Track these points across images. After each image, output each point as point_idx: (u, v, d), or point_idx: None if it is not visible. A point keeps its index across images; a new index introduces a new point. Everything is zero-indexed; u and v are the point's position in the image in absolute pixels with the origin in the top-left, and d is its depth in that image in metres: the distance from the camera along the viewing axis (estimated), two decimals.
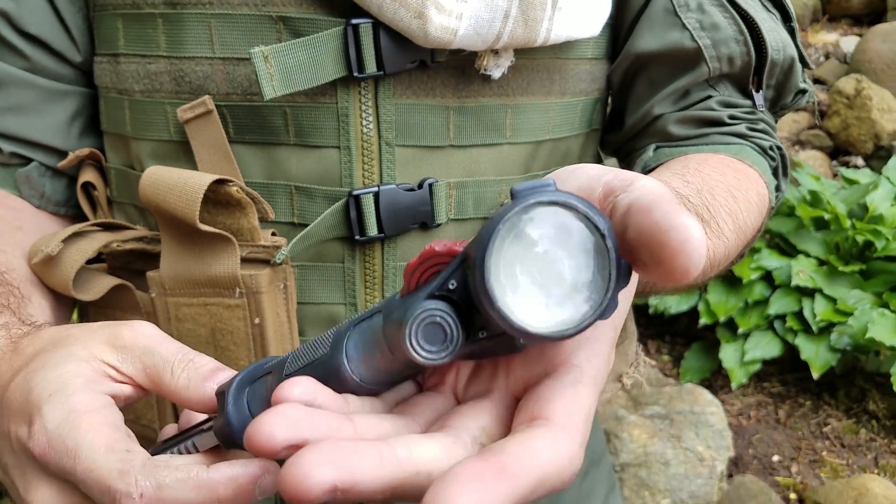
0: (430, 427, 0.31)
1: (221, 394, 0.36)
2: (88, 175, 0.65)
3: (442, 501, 0.22)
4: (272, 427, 0.26)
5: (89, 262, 0.60)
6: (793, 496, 1.91)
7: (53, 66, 0.63)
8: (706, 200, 0.52)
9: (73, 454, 0.34)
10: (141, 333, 0.40)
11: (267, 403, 0.34)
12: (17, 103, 0.62)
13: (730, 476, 1.93)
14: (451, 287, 0.28)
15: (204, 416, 0.39)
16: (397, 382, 0.33)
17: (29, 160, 0.64)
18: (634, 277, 0.31)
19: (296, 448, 0.26)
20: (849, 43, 3.32)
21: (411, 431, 0.30)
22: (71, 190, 0.67)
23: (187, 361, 0.39)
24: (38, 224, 0.64)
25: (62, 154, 0.65)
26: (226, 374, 0.39)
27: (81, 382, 0.37)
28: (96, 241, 0.59)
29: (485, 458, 0.23)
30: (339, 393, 0.32)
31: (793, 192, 2.24)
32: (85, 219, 0.66)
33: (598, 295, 0.26)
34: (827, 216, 2.14)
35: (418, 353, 0.28)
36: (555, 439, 0.25)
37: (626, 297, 0.31)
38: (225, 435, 0.35)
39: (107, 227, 0.62)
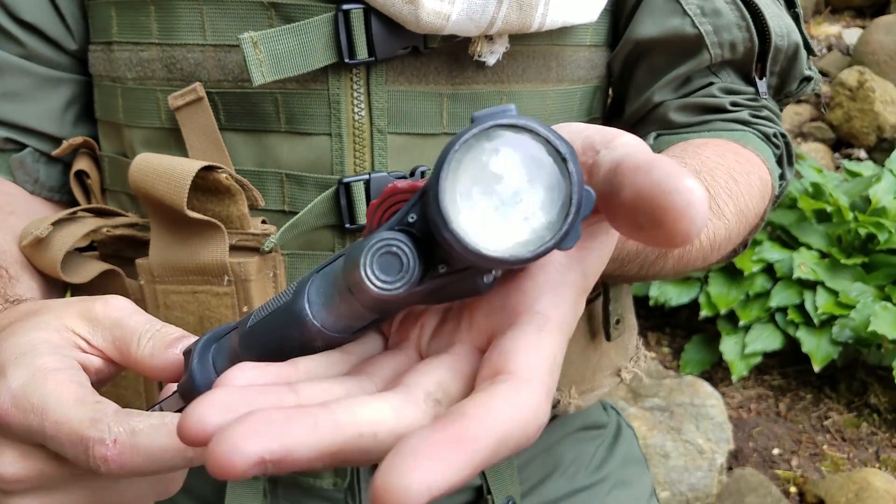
0: (387, 388, 0.29)
1: (188, 353, 0.36)
2: (82, 163, 0.65)
3: (396, 479, 0.21)
4: (203, 413, 0.24)
5: (81, 250, 0.60)
6: (793, 490, 1.91)
7: (48, 54, 0.63)
8: (705, 181, 0.51)
9: (40, 410, 0.33)
10: (113, 307, 0.39)
11: (231, 357, 0.33)
12: (12, 90, 0.62)
13: (730, 469, 1.93)
14: (410, 220, 0.28)
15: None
16: (362, 330, 0.32)
17: (23, 146, 0.64)
18: (612, 233, 0.30)
19: None
20: (851, 35, 3.29)
21: (365, 393, 0.29)
22: (65, 176, 0.67)
23: (154, 331, 0.38)
24: (32, 209, 0.64)
25: (56, 141, 0.64)
26: (190, 340, 0.38)
27: (48, 347, 0.37)
28: (86, 226, 0.58)
29: (442, 426, 0.22)
30: (302, 343, 0.31)
31: (795, 185, 2.22)
32: (79, 205, 0.66)
33: (557, 220, 0.25)
34: (829, 209, 2.13)
35: (373, 284, 0.27)
36: (517, 395, 0.24)
37: (603, 252, 0.30)
38: (188, 391, 0.34)
39: (98, 213, 0.62)
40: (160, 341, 0.38)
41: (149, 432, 0.32)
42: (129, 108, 0.61)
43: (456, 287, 0.29)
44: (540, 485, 0.72)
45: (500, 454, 0.23)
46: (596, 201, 0.27)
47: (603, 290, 0.69)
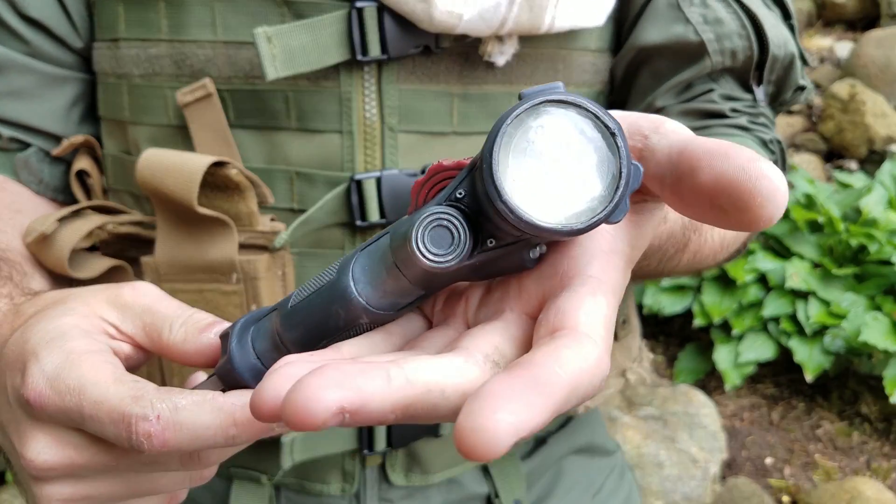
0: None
1: (225, 336, 0.36)
2: (83, 163, 0.64)
3: (479, 420, 0.21)
4: (277, 386, 0.24)
5: (84, 250, 0.59)
6: (786, 499, 1.91)
7: (54, 52, 0.62)
8: None
9: (78, 391, 0.33)
10: (142, 293, 0.39)
11: (271, 338, 0.33)
12: (17, 88, 0.61)
13: (723, 478, 1.93)
14: (459, 195, 0.28)
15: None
16: (407, 307, 0.32)
17: (28, 145, 0.63)
18: (657, 213, 0.30)
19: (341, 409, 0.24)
20: (843, 48, 3.34)
21: None
22: (70, 176, 0.66)
23: (186, 317, 0.38)
24: (37, 208, 0.63)
25: (60, 140, 0.64)
26: (224, 325, 0.38)
27: (79, 332, 0.36)
28: (91, 222, 0.58)
29: (515, 372, 0.22)
30: (347, 320, 0.31)
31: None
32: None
33: (607, 193, 0.26)
34: (821, 219, 2.15)
35: (425, 257, 0.27)
36: (581, 346, 0.24)
37: (647, 227, 0.31)
38: (227, 373, 0.34)
39: (102, 211, 0.61)
40: (193, 326, 0.38)
41: (192, 408, 0.32)
42: (135, 105, 0.60)
43: (503, 262, 0.29)
44: (545, 498, 0.72)
45: (571, 402, 0.23)
46: (644, 188, 0.27)
47: None
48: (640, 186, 0.27)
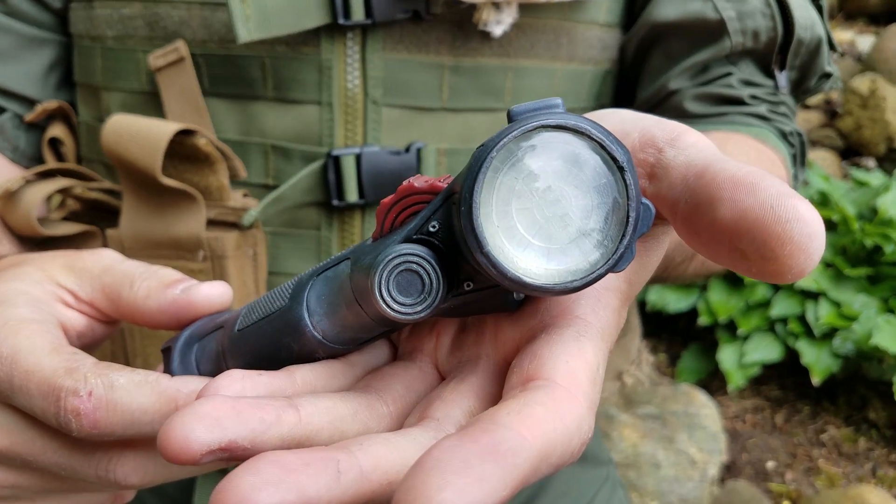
0: (402, 410, 0.26)
1: (167, 350, 0.33)
2: (56, 130, 0.61)
3: (418, 499, 0.17)
4: (189, 430, 0.21)
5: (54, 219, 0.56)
6: (786, 503, 1.87)
7: (32, 11, 0.59)
8: None
9: (9, 360, 0.30)
10: (102, 255, 0.36)
11: (216, 362, 0.30)
12: None
13: (722, 481, 1.89)
14: (431, 229, 0.24)
15: None
16: (367, 342, 0.28)
17: (2, 110, 0.60)
18: (665, 238, 0.26)
19: (221, 452, 0.21)
20: (864, 41, 3.26)
21: (376, 414, 0.25)
22: (42, 143, 0.63)
23: (149, 273, 0.35)
24: (12, 175, 0.60)
25: (37, 104, 0.60)
26: (188, 283, 0.34)
27: (27, 299, 0.33)
28: (59, 183, 0.54)
29: (471, 435, 0.18)
30: (300, 354, 0.27)
31: (801, 192, 2.19)
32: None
33: (611, 241, 0.21)
34: (835, 217, 2.09)
35: (389, 307, 0.23)
36: (557, 403, 0.20)
37: (652, 258, 0.26)
38: None
39: (73, 176, 0.58)
40: (157, 282, 0.34)
41: (130, 388, 0.28)
42: (107, 69, 0.57)
43: (481, 304, 0.25)
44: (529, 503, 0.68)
45: (542, 471, 0.19)
46: (658, 212, 0.23)
47: None
48: (649, 229, 0.23)
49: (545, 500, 0.68)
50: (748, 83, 0.59)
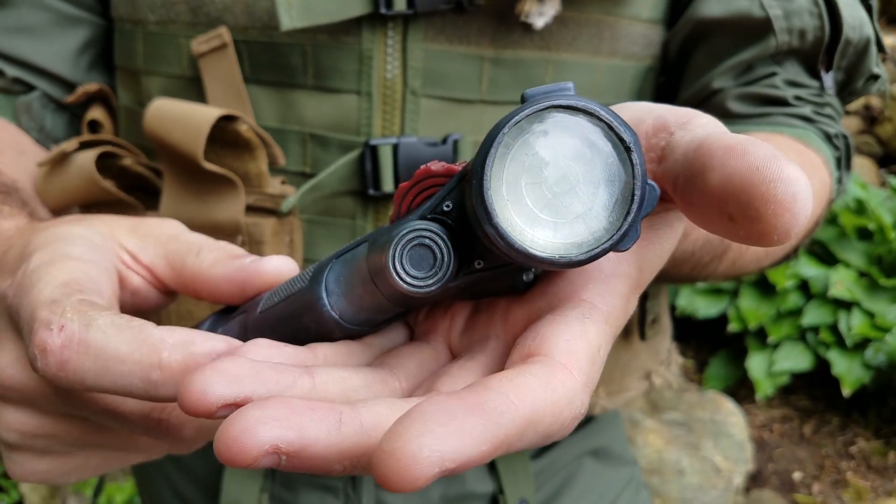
0: (413, 386, 0.27)
1: (196, 328, 0.33)
2: (96, 113, 0.61)
3: (398, 443, 0.17)
4: (206, 383, 0.21)
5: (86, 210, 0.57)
6: None
7: None
8: None
9: (28, 289, 0.28)
10: (168, 223, 0.36)
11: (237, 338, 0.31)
12: (28, 24, 0.59)
13: (747, 490, 1.86)
14: (445, 208, 0.25)
15: None
16: (383, 323, 0.29)
17: (31, 88, 0.60)
18: (678, 225, 0.27)
19: (236, 408, 0.21)
20: None
21: (388, 388, 0.26)
22: (73, 127, 0.64)
23: (216, 244, 0.34)
24: (40, 155, 0.61)
25: (68, 85, 0.61)
26: (254, 258, 0.33)
27: (85, 241, 0.32)
28: (110, 148, 0.55)
29: (460, 394, 0.19)
30: (319, 334, 0.28)
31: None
32: None
33: (616, 219, 0.22)
34: (871, 226, 2.05)
35: (402, 279, 0.24)
36: (551, 376, 0.21)
37: (664, 244, 0.27)
38: None
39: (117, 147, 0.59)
40: (224, 252, 0.33)
41: (108, 330, 0.25)
42: (149, 53, 0.57)
43: (492, 283, 0.26)
44: (553, 501, 0.67)
45: (528, 438, 0.20)
46: (663, 192, 0.24)
47: None
48: (654, 209, 0.23)
49: (568, 498, 0.68)
50: (793, 84, 0.58)
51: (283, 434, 0.20)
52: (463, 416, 0.18)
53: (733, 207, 0.21)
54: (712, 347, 2.29)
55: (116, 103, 0.62)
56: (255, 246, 0.52)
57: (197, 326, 0.33)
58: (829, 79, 0.59)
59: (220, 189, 0.52)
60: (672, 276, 0.49)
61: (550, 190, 0.22)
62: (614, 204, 0.22)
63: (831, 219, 2.11)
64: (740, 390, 2.18)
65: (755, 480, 1.93)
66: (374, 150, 0.53)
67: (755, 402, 2.15)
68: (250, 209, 0.53)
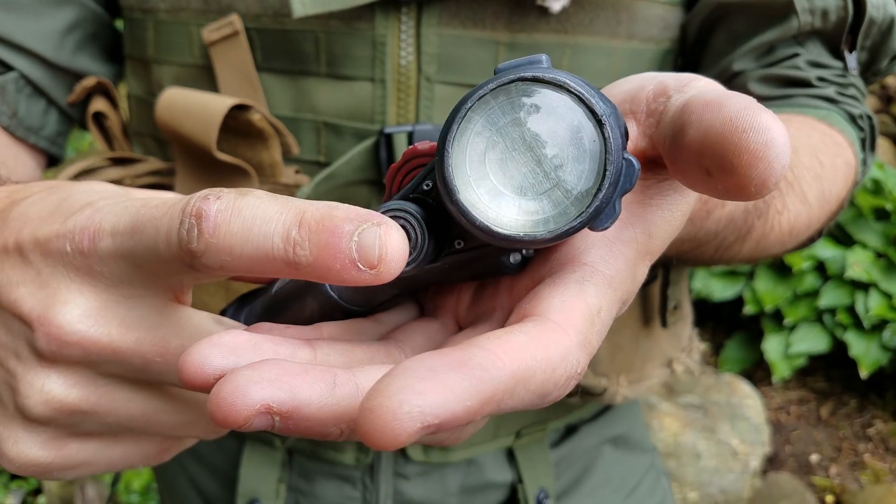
0: None
1: (222, 313, 0.33)
2: (99, 104, 0.60)
3: (378, 399, 0.17)
4: (204, 354, 0.21)
5: None
6: (829, 498, 1.83)
7: None
8: (790, 160, 0.45)
9: (134, 214, 0.25)
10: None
11: (257, 320, 0.31)
12: (12, 0, 0.56)
13: (764, 473, 1.86)
14: (425, 188, 0.24)
15: None
16: (382, 302, 0.29)
17: (9, 69, 0.58)
18: (690, 193, 0.26)
19: None
20: None
21: (392, 360, 0.26)
22: (48, 117, 0.60)
23: None
24: (14, 157, 0.58)
25: (49, 65, 0.59)
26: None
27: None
28: (104, 176, 0.54)
29: (444, 351, 0.19)
30: (322, 313, 0.28)
31: None
32: (52, 158, 0.61)
33: (586, 194, 0.21)
34: (888, 206, 2.02)
35: None
36: (543, 333, 0.20)
37: (674, 211, 0.26)
38: None
39: (116, 162, 0.58)
40: None
41: (260, 197, 0.24)
42: (159, 42, 0.57)
43: (479, 265, 0.25)
44: (573, 489, 0.67)
45: (519, 396, 0.19)
46: (654, 148, 0.23)
47: (663, 271, 0.63)
48: (633, 186, 0.22)
49: (587, 486, 0.67)
50: (816, 65, 0.57)
51: (275, 394, 0.19)
52: (445, 371, 0.18)
53: (709, 161, 0.20)
54: (728, 330, 2.27)
55: (127, 93, 0.62)
56: None
57: (226, 308, 0.33)
58: (852, 59, 0.58)
59: (233, 179, 0.51)
60: (696, 257, 0.48)
61: (516, 166, 0.22)
62: (585, 180, 0.21)
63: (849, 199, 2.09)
64: (756, 373, 2.17)
65: (772, 463, 1.92)
66: (388, 139, 0.52)
67: (772, 385, 2.14)
68: None
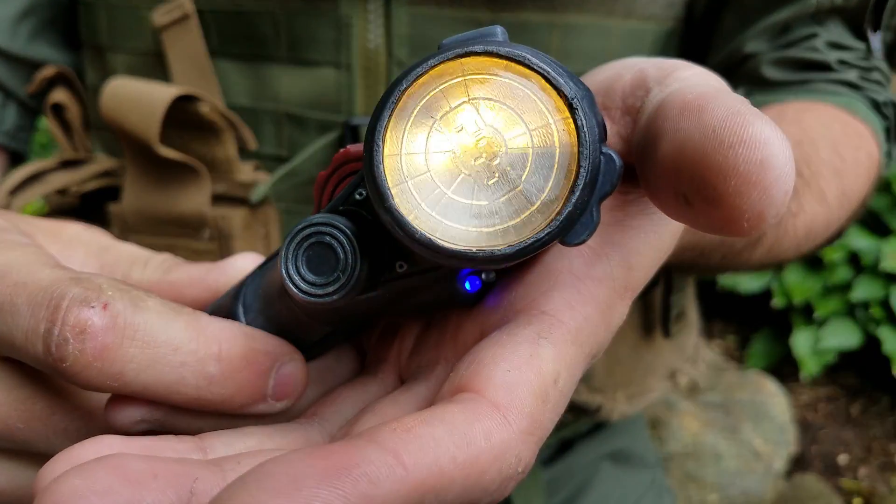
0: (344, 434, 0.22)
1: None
2: (59, 95, 0.57)
3: None
4: (70, 494, 0.16)
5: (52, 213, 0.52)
6: (857, 501, 1.76)
7: None
8: (806, 154, 0.40)
9: (1, 273, 0.22)
10: (92, 232, 0.30)
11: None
12: None
13: (789, 474, 1.79)
14: (358, 197, 0.20)
15: None
16: (317, 345, 0.25)
17: None
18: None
19: None
20: None
21: (310, 445, 0.21)
22: (6, 111, 0.58)
23: (162, 256, 0.29)
24: None
25: (3, 55, 0.56)
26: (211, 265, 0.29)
27: (16, 232, 0.27)
28: (50, 184, 0.50)
29: (326, 450, 0.14)
30: None
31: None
32: (15, 155, 0.58)
33: (556, 199, 0.17)
34: None
35: (296, 286, 0.20)
36: (473, 420, 0.16)
37: (661, 232, 0.21)
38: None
39: (65, 165, 0.54)
40: (172, 260, 0.29)
41: (162, 311, 0.21)
42: (112, 27, 0.53)
43: (428, 293, 0.21)
44: None
45: None
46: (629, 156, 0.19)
47: (665, 276, 0.57)
48: (615, 188, 0.17)
49: (586, 502, 0.63)
50: (836, 46, 0.52)
51: None
52: (314, 484, 0.13)
53: (687, 185, 0.15)
54: (755, 324, 2.19)
55: (80, 82, 0.58)
56: (224, 241, 0.47)
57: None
58: (876, 40, 0.52)
59: (181, 177, 0.47)
60: (701, 266, 0.43)
61: (465, 163, 0.17)
62: (553, 180, 0.17)
63: (884, 186, 1.99)
64: (784, 369, 2.09)
65: (798, 464, 1.85)
66: (354, 131, 0.47)
67: (799, 381, 2.06)
68: (219, 199, 0.48)
